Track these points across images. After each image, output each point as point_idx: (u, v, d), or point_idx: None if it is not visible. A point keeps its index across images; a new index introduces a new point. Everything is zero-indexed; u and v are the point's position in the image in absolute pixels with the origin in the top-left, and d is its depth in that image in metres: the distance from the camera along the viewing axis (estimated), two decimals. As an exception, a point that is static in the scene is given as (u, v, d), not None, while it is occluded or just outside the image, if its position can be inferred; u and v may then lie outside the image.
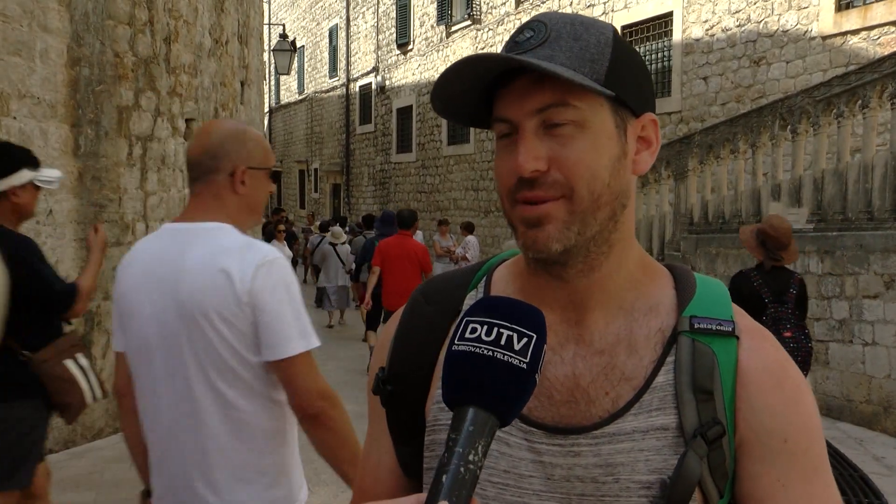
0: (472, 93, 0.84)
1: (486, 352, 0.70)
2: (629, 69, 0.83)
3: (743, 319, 0.87)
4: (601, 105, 0.80)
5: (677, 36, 11.28)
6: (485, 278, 0.96)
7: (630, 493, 0.80)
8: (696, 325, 0.84)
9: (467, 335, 0.72)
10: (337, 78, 24.82)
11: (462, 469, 0.66)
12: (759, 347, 0.85)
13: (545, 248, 0.81)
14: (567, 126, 0.79)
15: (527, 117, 0.80)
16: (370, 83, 22.29)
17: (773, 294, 4.44)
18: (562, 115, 0.79)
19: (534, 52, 0.79)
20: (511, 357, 0.70)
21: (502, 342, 0.70)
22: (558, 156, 0.79)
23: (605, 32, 0.82)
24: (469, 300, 0.93)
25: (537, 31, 0.81)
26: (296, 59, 21.11)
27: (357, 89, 23.37)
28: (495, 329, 0.71)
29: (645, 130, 0.86)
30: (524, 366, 0.70)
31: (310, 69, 27.51)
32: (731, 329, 0.84)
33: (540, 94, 0.79)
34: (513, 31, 0.88)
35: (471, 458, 0.66)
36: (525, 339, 0.70)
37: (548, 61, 0.78)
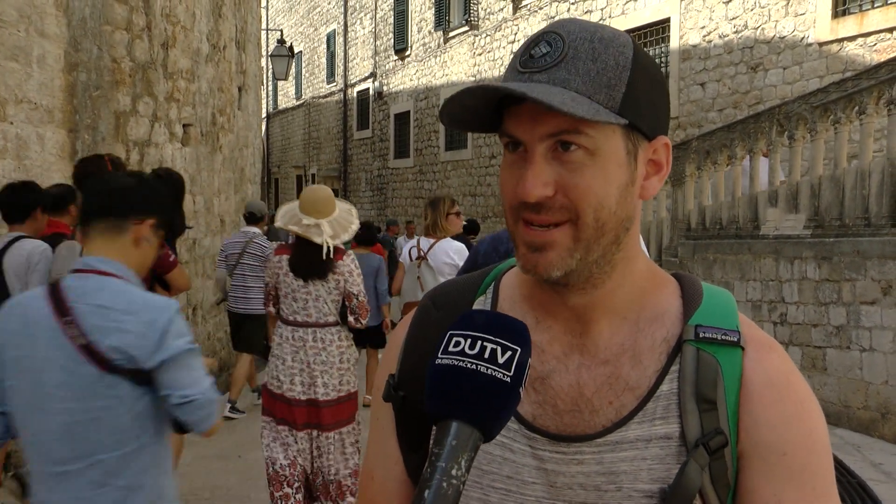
0: (483, 108, 0.82)
1: (469, 365, 0.69)
2: (646, 92, 0.80)
3: (750, 330, 0.86)
4: (613, 132, 0.78)
5: (674, 42, 11.30)
6: (493, 284, 0.95)
7: (632, 501, 0.81)
8: (700, 335, 0.83)
9: (451, 348, 0.71)
10: (334, 83, 24.81)
11: (444, 484, 0.65)
12: (764, 359, 0.84)
13: (545, 274, 0.80)
14: (577, 152, 0.77)
15: (538, 141, 0.78)
16: (368, 89, 22.29)
17: None
18: (574, 139, 0.77)
19: (548, 72, 0.77)
20: (495, 370, 0.69)
21: (486, 355, 0.70)
22: (566, 182, 0.78)
23: (626, 52, 0.79)
24: (478, 305, 0.93)
25: (554, 47, 0.78)
26: (293, 64, 21.10)
27: (355, 95, 23.37)
28: (479, 342, 0.70)
29: (657, 154, 0.84)
30: (508, 379, 0.69)
31: (307, 74, 27.51)
32: (736, 339, 0.83)
33: (553, 119, 0.76)
34: (514, 37, 0.86)
35: (454, 472, 0.65)
36: (509, 353, 0.70)
37: (562, 86, 0.76)
